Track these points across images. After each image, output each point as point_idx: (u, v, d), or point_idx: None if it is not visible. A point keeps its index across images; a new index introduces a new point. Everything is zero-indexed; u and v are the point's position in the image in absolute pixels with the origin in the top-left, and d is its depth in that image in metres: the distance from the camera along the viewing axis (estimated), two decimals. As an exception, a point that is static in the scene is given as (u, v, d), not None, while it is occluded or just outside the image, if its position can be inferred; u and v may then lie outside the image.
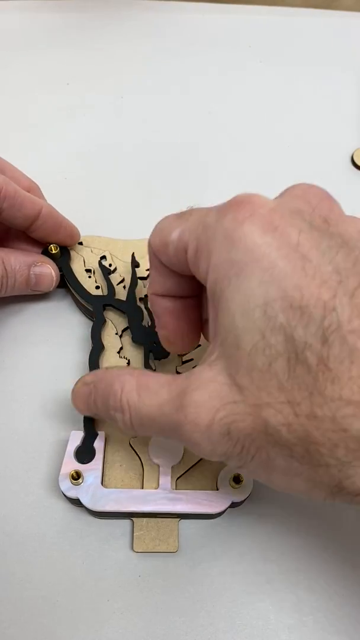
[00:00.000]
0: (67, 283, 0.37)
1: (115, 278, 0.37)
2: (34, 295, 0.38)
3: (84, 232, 0.40)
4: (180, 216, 0.27)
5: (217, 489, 0.31)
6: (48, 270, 0.37)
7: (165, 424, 0.26)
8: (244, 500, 0.32)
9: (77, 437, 0.32)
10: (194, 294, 0.30)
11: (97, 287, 0.37)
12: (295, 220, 0.23)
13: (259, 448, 0.23)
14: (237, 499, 0.31)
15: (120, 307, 0.36)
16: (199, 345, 0.36)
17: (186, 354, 0.35)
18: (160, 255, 0.28)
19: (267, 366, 0.22)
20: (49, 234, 0.37)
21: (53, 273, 0.37)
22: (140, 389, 0.27)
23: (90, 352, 0.35)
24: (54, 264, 0.37)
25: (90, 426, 0.33)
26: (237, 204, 0.24)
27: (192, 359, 0.35)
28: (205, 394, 0.24)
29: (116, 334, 0.36)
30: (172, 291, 0.29)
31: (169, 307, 0.30)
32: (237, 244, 0.23)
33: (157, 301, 0.30)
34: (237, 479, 0.31)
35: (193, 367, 0.35)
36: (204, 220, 0.25)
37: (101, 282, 0.37)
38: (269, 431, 0.22)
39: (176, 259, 0.27)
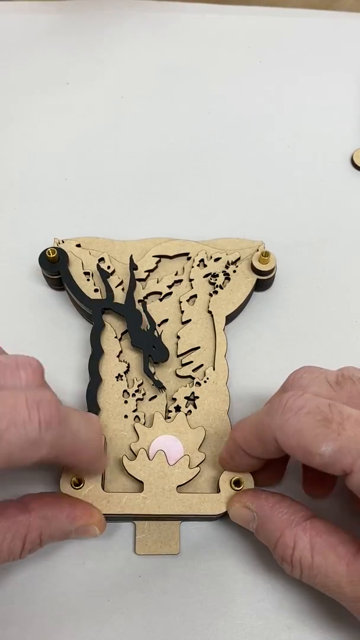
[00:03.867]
0: (66, 286, 0.37)
1: (113, 280, 0.37)
2: (33, 300, 0.38)
3: (82, 233, 0.40)
4: (327, 425, 0.26)
5: (219, 492, 0.32)
6: (91, 530, 0.31)
7: (341, 596, 0.27)
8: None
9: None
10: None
11: (96, 290, 0.37)
12: None
13: None
14: None
15: (119, 310, 0.36)
16: (198, 348, 0.36)
17: (190, 362, 0.36)
18: (296, 455, 0.27)
19: None
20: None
21: (97, 528, 0.31)
22: (315, 552, 0.27)
23: (90, 357, 0.35)
24: (91, 506, 0.31)
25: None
26: None
27: (191, 362, 0.36)
28: None
29: (115, 337, 0.36)
30: (262, 456, 0.30)
31: (252, 463, 0.31)
32: None
33: (242, 456, 0.30)
34: (237, 482, 0.31)
35: (193, 370, 0.35)
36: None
37: (100, 284, 0.37)
38: None
39: (322, 469, 0.26)
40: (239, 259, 0.38)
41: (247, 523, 0.30)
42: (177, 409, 0.34)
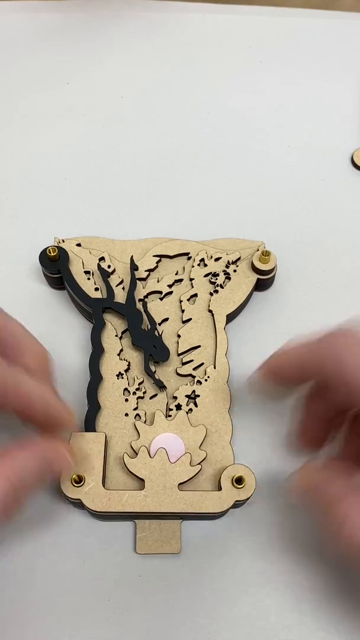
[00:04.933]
0: (66, 286, 0.37)
1: (114, 280, 0.37)
2: (34, 299, 0.38)
3: (82, 233, 0.40)
4: None
5: (220, 489, 0.31)
6: (62, 456, 0.30)
7: None
8: (246, 500, 0.32)
9: (77, 439, 0.32)
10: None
11: (97, 289, 0.37)
12: None
13: None
14: (240, 499, 0.31)
15: (119, 310, 0.36)
16: (199, 346, 0.36)
17: (190, 361, 0.36)
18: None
19: None
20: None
21: (68, 454, 0.31)
22: None
23: (91, 356, 0.35)
24: (58, 441, 0.31)
25: (92, 427, 0.33)
26: None
27: (192, 360, 0.36)
28: None
29: (116, 335, 0.36)
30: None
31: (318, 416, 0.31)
32: None
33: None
34: (239, 480, 0.31)
35: (194, 369, 0.35)
36: None
37: (100, 283, 0.37)
38: None
39: None
40: (239, 258, 0.38)
41: (301, 498, 0.29)
42: (178, 407, 0.34)
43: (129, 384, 0.35)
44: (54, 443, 0.30)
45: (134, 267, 0.38)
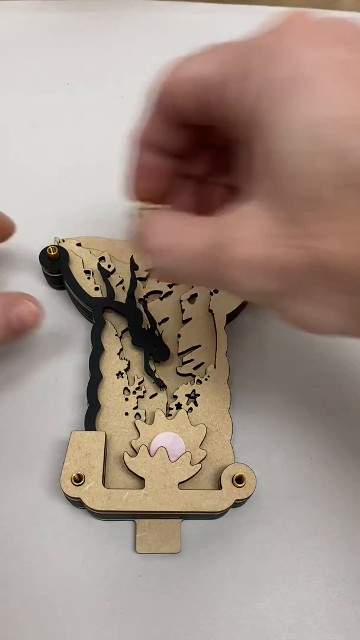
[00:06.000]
0: (66, 285, 0.37)
1: (114, 279, 0.37)
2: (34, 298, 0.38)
3: (82, 233, 0.39)
4: (200, 53, 0.24)
5: (220, 488, 0.31)
6: (27, 309, 0.32)
7: (203, 268, 0.24)
8: (247, 499, 0.32)
9: (77, 437, 0.32)
10: (184, 152, 0.28)
11: (97, 289, 0.37)
12: (341, 37, 0.21)
13: (306, 283, 0.22)
14: (240, 498, 0.31)
15: (119, 309, 0.36)
16: (199, 346, 0.36)
17: (190, 360, 0.36)
18: (171, 97, 0.25)
19: (315, 194, 0.20)
20: None
21: (34, 306, 0.32)
22: (171, 232, 0.25)
23: (91, 355, 0.35)
24: (27, 295, 0.33)
25: (92, 426, 0.33)
26: (278, 21, 0.22)
27: (192, 360, 0.36)
28: (249, 231, 0.22)
29: (116, 335, 0.36)
30: (166, 143, 0.27)
31: (154, 164, 0.28)
32: (281, 59, 0.20)
33: (144, 153, 0.28)
34: (239, 479, 0.31)
35: (194, 368, 0.35)
36: (236, 46, 0.22)
37: (100, 283, 0.37)
38: (317, 263, 0.21)
39: (191, 97, 0.24)
40: (239, 258, 0.38)
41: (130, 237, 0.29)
42: (178, 406, 0.34)
43: (129, 383, 0.35)
44: (16, 293, 0.32)
45: (134, 267, 0.38)
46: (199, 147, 0.28)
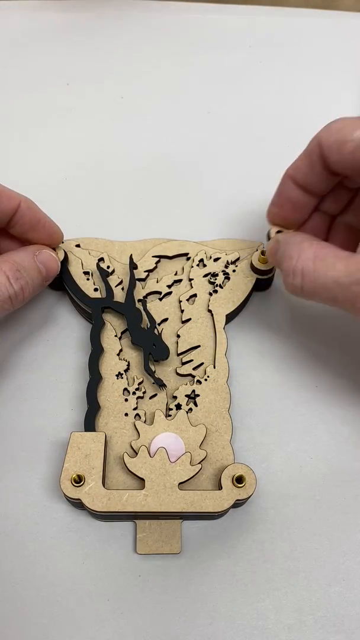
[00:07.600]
0: (66, 286, 0.37)
1: (113, 280, 0.37)
2: (34, 299, 0.38)
3: (82, 234, 0.39)
4: (356, 121, 0.30)
5: (220, 489, 0.31)
6: (48, 255, 0.36)
7: (340, 295, 0.29)
8: (247, 499, 0.32)
9: (77, 438, 0.32)
10: (322, 194, 0.34)
11: (96, 290, 0.37)
12: None
13: None
14: (240, 498, 0.31)
15: (118, 309, 0.36)
16: (199, 346, 0.36)
17: (190, 361, 0.36)
18: (332, 153, 0.31)
19: None
20: (27, 230, 0.35)
21: (53, 254, 0.36)
22: (316, 259, 0.30)
23: (90, 355, 0.35)
24: (47, 247, 0.36)
25: (91, 427, 0.33)
26: None
27: (192, 360, 0.36)
28: None
29: (115, 335, 0.36)
30: (310, 185, 0.33)
31: (295, 197, 0.34)
32: None
33: (289, 186, 0.34)
34: (239, 479, 0.31)
35: (194, 369, 0.35)
36: None
37: (99, 284, 0.37)
38: None
39: (352, 156, 0.30)
40: (238, 259, 0.38)
41: (273, 253, 0.34)
42: (178, 407, 0.34)
43: (128, 383, 0.35)
44: (34, 245, 0.36)
45: (133, 267, 0.38)
46: (338, 188, 0.34)
